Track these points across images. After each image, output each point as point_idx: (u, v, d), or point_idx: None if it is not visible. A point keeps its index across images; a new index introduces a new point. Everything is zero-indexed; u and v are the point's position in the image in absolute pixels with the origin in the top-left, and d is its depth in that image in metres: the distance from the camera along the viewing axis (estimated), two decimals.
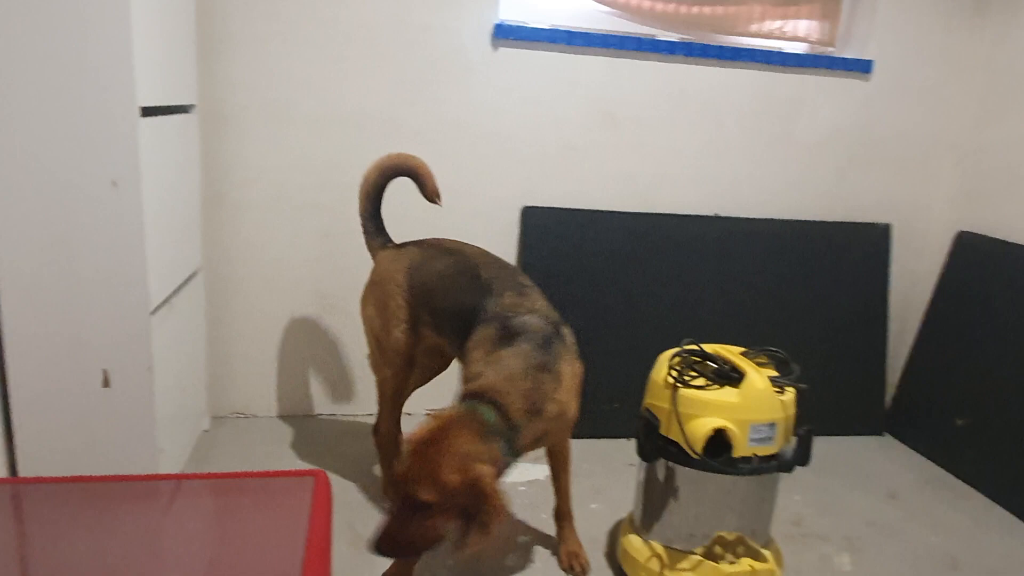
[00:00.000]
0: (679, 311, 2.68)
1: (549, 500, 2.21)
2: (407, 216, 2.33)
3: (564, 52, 2.52)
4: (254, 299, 2.53)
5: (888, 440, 2.82)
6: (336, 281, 2.56)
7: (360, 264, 2.53)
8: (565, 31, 2.48)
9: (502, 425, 1.51)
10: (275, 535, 1.00)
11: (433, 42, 2.43)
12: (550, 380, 1.60)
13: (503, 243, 2.63)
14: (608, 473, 2.40)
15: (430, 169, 2.09)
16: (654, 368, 1.76)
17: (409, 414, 2.47)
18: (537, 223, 2.60)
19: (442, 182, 2.45)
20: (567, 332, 1.73)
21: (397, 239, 2.12)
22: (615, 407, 2.64)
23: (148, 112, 1.74)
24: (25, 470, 1.78)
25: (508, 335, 1.65)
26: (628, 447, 2.57)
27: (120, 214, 1.69)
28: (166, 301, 1.94)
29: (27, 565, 0.83)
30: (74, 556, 0.84)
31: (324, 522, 1.08)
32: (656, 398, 1.71)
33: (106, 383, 1.79)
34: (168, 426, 1.99)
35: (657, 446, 1.69)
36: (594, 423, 2.64)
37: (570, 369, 1.67)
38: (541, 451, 2.49)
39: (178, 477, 1.10)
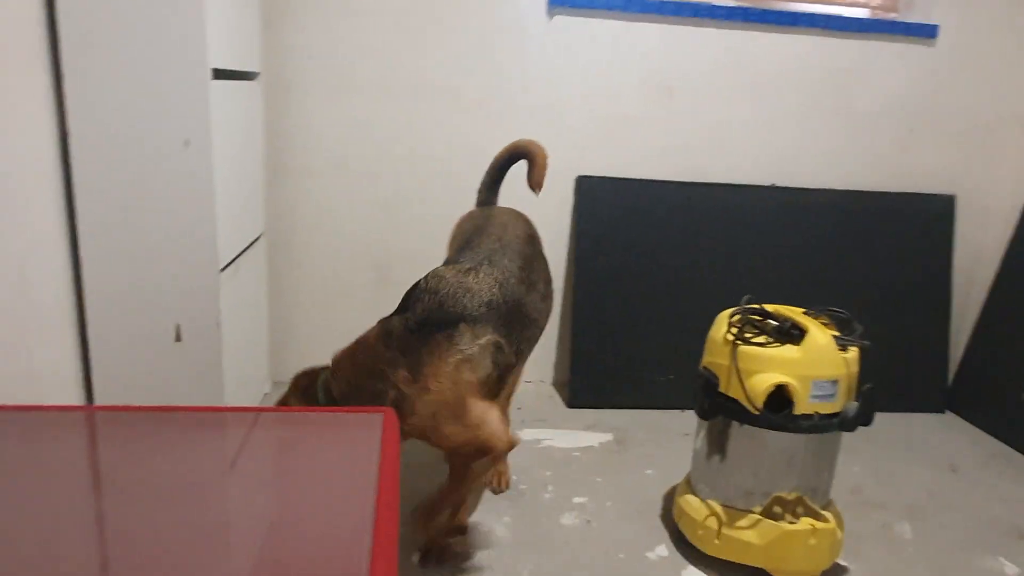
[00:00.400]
0: (734, 282, 2.66)
1: (603, 466, 2.23)
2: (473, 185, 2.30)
3: (619, 19, 2.51)
4: (314, 266, 2.59)
5: (950, 417, 2.76)
6: (394, 251, 2.60)
7: (417, 235, 2.58)
8: None
9: (327, 401, 1.56)
10: (347, 465, 1.03)
11: (490, 10, 2.44)
12: (403, 372, 1.49)
13: (557, 212, 2.64)
14: (662, 442, 2.39)
15: (546, 161, 2.01)
16: (713, 326, 1.75)
17: None
18: (591, 192, 2.60)
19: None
20: (466, 329, 1.52)
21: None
22: (669, 378, 2.63)
23: (218, 75, 1.80)
24: None
25: (400, 309, 1.61)
26: (682, 418, 2.57)
27: (192, 172, 1.74)
28: (233, 261, 2.00)
29: (102, 486, 0.87)
30: (147, 478, 0.88)
31: (394, 456, 1.11)
32: (716, 355, 1.70)
33: (178, 338, 1.85)
34: (235, 383, 2.05)
35: (716, 403, 1.69)
36: (648, 394, 2.64)
37: (449, 371, 1.48)
38: (597, 419, 2.52)
39: (249, 409, 1.15)
